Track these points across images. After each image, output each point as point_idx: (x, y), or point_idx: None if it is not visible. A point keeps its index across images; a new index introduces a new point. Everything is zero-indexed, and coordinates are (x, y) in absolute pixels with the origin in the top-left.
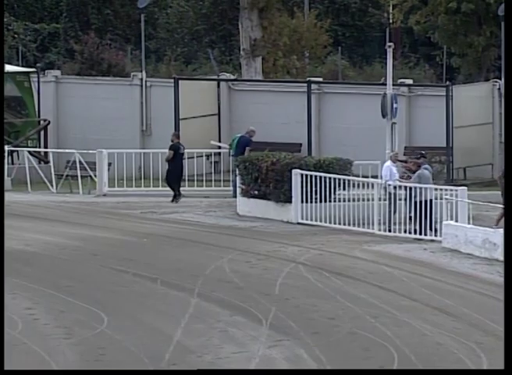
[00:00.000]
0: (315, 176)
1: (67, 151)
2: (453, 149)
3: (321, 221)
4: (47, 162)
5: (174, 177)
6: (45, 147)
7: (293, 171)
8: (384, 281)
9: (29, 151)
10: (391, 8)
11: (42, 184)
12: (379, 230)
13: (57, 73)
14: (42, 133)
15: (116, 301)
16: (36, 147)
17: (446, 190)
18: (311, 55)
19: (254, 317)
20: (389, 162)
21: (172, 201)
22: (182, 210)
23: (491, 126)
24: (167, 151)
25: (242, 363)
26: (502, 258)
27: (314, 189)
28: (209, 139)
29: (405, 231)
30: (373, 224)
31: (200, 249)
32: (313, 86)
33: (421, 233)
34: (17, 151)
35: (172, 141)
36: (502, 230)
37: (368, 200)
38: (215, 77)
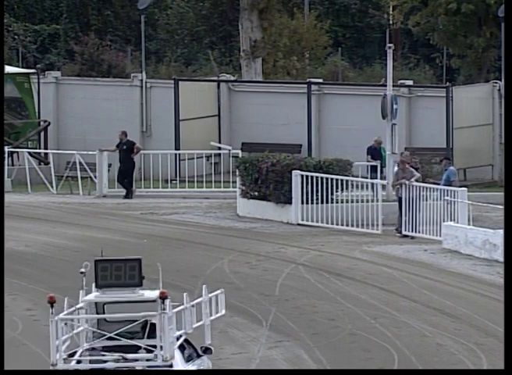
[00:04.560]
0: (315, 177)
1: (67, 152)
2: (453, 150)
3: (321, 222)
4: (47, 163)
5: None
6: (45, 148)
7: (293, 172)
8: (384, 282)
9: (29, 152)
10: (391, 9)
11: (42, 185)
12: (379, 230)
13: (57, 74)
14: (42, 134)
15: None
16: (36, 148)
17: (446, 191)
18: (311, 56)
19: (254, 318)
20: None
21: (132, 197)
22: (182, 211)
23: (491, 127)
24: (166, 151)
25: (242, 364)
26: (502, 259)
27: (314, 190)
28: (209, 140)
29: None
30: (373, 225)
31: (200, 250)
32: (313, 87)
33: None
34: (17, 152)
35: (121, 140)
36: (502, 231)
37: (368, 201)
38: (215, 78)
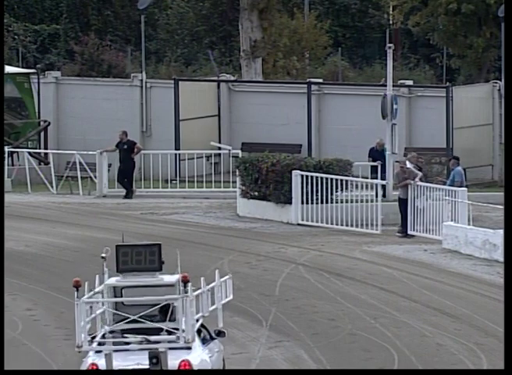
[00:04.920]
0: (315, 177)
1: (67, 152)
2: (453, 150)
3: (321, 222)
4: (47, 163)
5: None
6: (45, 148)
7: (293, 172)
8: (384, 282)
9: (29, 152)
10: (391, 9)
11: (42, 185)
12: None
13: (57, 74)
14: (42, 134)
15: None
16: (36, 148)
17: (446, 190)
18: (311, 56)
19: (254, 318)
20: (408, 164)
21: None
22: (182, 211)
23: (491, 127)
24: (166, 151)
25: (242, 364)
26: (502, 259)
27: (314, 190)
28: (209, 140)
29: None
30: (372, 225)
31: (200, 250)
32: (313, 87)
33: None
34: (17, 152)
35: (122, 139)
36: (502, 231)
37: (368, 201)
38: (215, 78)
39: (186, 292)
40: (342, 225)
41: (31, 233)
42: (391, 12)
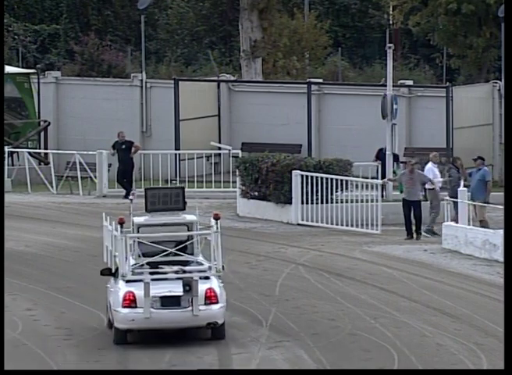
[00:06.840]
0: (315, 177)
1: (67, 152)
2: (453, 150)
3: (321, 222)
4: (47, 163)
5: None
6: (45, 148)
7: (293, 172)
8: (384, 282)
9: (29, 152)
10: (391, 9)
11: (42, 185)
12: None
13: (57, 74)
14: (42, 134)
15: None
16: (36, 148)
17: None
18: (311, 56)
19: (254, 318)
20: (430, 164)
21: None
22: None
23: (491, 127)
24: (166, 151)
25: (242, 364)
26: (502, 259)
27: (314, 190)
28: (209, 140)
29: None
30: (373, 225)
31: None
32: (313, 87)
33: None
34: (17, 152)
35: (120, 140)
36: (502, 231)
37: (368, 201)
38: (215, 78)
39: (217, 228)
40: (342, 225)
41: (31, 233)
42: (391, 12)
